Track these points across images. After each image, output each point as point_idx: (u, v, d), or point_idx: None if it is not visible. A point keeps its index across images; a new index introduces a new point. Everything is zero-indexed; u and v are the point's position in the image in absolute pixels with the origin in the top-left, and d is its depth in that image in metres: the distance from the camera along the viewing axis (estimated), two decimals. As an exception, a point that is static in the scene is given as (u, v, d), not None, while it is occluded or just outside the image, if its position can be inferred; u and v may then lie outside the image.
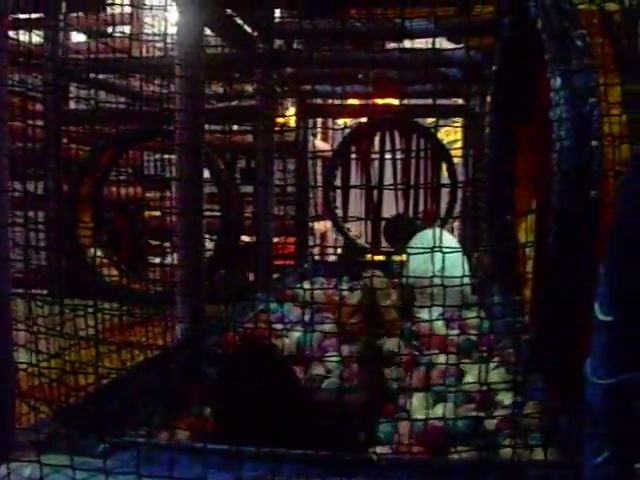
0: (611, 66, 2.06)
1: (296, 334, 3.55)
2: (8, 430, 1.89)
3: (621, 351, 1.40)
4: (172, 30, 3.55)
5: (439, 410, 2.60)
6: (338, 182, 7.38)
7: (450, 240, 5.17)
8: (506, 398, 2.77)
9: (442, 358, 2.99)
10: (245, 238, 5.88)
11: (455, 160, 6.99)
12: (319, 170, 7.69)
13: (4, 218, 1.87)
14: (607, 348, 1.41)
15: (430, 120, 7.62)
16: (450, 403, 2.69)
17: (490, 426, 2.49)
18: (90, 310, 2.34)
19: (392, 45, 5.21)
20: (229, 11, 4.22)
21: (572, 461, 1.63)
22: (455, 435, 2.34)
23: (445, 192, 7.18)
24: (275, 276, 5.20)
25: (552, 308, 2.25)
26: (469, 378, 2.88)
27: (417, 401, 2.70)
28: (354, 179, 7.55)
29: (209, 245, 5.07)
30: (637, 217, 1.39)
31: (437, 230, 4.34)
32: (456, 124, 7.73)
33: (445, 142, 7.94)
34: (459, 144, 8.02)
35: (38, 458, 1.76)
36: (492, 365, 3.04)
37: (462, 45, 4.48)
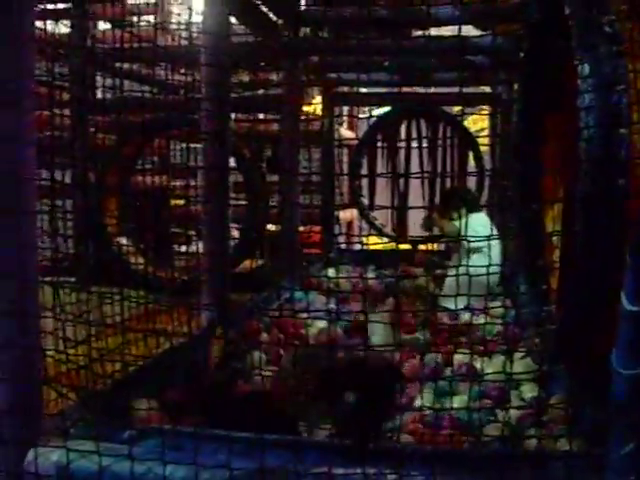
0: (640, 52, 2.03)
1: (320, 324, 3.54)
2: (36, 416, 1.91)
3: (648, 342, 1.39)
4: (197, 19, 3.56)
5: (454, 404, 2.59)
6: (364, 171, 7.36)
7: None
8: (531, 389, 2.75)
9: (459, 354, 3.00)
10: (271, 227, 5.90)
11: (482, 148, 6.93)
12: (345, 159, 7.67)
13: (31, 206, 1.88)
14: (633, 338, 1.39)
15: (457, 108, 7.57)
16: (464, 396, 2.66)
17: (512, 418, 2.47)
18: (117, 298, 2.36)
19: (418, 33, 5.17)
20: (254, -1, 4.22)
21: (597, 452, 1.62)
22: (472, 427, 2.34)
23: (472, 180, 7.13)
24: (301, 264, 5.21)
25: (579, 297, 2.23)
26: (489, 370, 2.86)
27: (427, 396, 2.68)
28: (380, 168, 7.52)
29: (235, 234, 5.09)
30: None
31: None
32: (483, 112, 7.67)
33: (472, 130, 7.88)
34: (486, 132, 7.96)
35: (65, 444, 1.78)
36: (518, 355, 3.03)
37: (489, 32, 4.43)
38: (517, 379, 2.67)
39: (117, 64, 5.11)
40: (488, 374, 2.77)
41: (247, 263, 5.12)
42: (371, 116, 7.86)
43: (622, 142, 1.98)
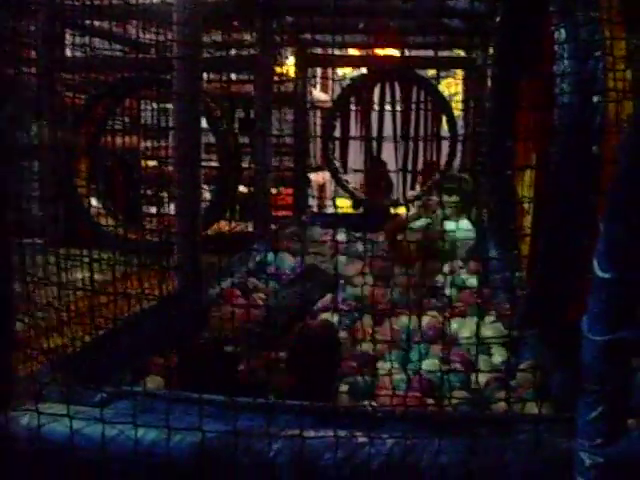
0: (617, 19, 2.02)
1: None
2: (7, 380, 1.89)
3: (618, 308, 1.40)
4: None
5: (424, 366, 2.61)
6: (337, 133, 7.31)
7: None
8: (500, 354, 2.78)
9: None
10: (243, 189, 5.86)
11: (455, 113, 6.92)
12: (318, 121, 7.62)
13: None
14: (604, 305, 1.41)
15: (431, 72, 7.53)
16: (435, 360, 2.68)
17: (480, 382, 2.50)
18: (86, 260, 2.33)
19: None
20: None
21: (566, 416, 1.64)
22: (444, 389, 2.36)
23: (445, 145, 7.12)
24: (272, 227, 5.19)
25: (550, 264, 2.25)
26: (465, 333, 2.88)
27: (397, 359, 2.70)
28: (353, 130, 7.48)
29: (206, 195, 5.05)
30: (638, 174, 1.38)
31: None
32: (457, 76, 7.63)
33: (446, 94, 7.85)
34: (460, 96, 7.93)
35: (36, 407, 1.77)
36: (488, 320, 3.05)
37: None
38: (487, 343, 2.69)
39: (87, 21, 5.00)
40: (459, 339, 2.80)
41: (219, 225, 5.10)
42: (345, 78, 7.80)
43: (596, 109, 1.98)
